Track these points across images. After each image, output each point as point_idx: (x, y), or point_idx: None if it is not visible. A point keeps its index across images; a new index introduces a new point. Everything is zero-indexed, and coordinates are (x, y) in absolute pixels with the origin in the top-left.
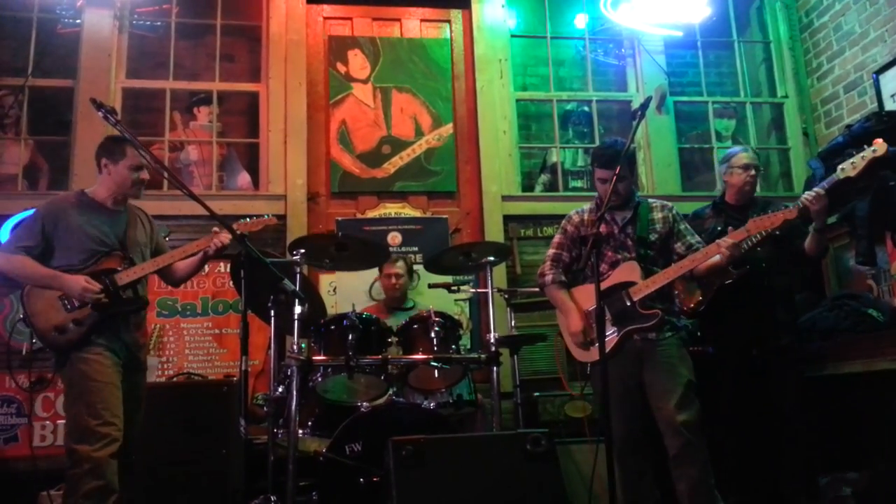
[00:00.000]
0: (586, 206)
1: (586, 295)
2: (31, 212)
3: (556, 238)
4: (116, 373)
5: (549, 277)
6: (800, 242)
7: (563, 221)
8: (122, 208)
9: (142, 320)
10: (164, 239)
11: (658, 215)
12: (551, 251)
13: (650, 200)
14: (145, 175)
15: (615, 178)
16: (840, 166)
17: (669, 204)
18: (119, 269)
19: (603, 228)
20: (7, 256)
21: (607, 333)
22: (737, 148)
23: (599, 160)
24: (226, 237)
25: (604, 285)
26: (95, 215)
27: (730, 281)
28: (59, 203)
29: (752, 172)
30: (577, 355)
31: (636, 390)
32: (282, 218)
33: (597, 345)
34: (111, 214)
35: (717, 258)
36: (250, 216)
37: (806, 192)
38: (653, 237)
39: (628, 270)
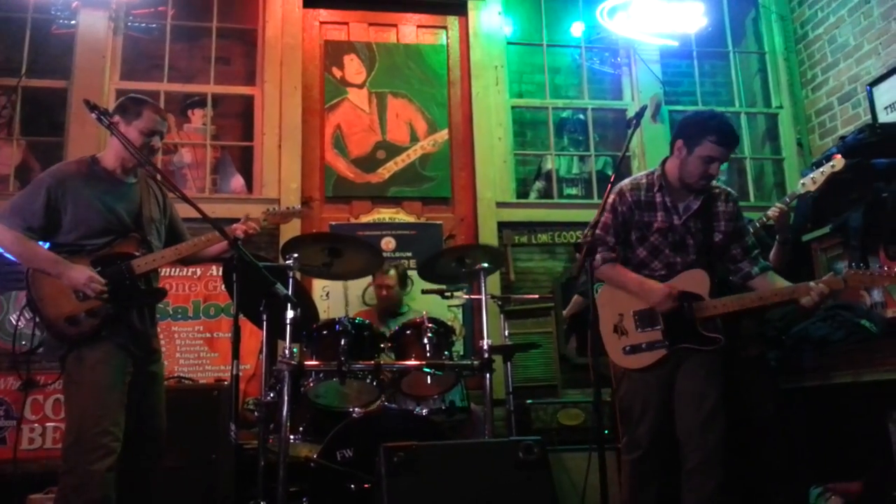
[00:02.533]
0: (641, 177)
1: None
2: None
3: (605, 218)
4: (124, 374)
5: (598, 258)
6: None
7: (614, 198)
8: (133, 178)
9: (155, 309)
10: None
11: (722, 208)
12: (598, 232)
13: (712, 185)
14: (157, 144)
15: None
16: (801, 181)
17: (730, 190)
18: (136, 254)
19: (660, 218)
20: (2, 230)
21: (655, 345)
22: None
23: (721, 136)
24: (253, 226)
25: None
26: (107, 188)
27: None
28: (66, 172)
29: None
30: (618, 360)
31: (669, 398)
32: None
33: (642, 352)
34: (122, 186)
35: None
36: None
37: (771, 208)
38: (717, 237)
39: (697, 280)
